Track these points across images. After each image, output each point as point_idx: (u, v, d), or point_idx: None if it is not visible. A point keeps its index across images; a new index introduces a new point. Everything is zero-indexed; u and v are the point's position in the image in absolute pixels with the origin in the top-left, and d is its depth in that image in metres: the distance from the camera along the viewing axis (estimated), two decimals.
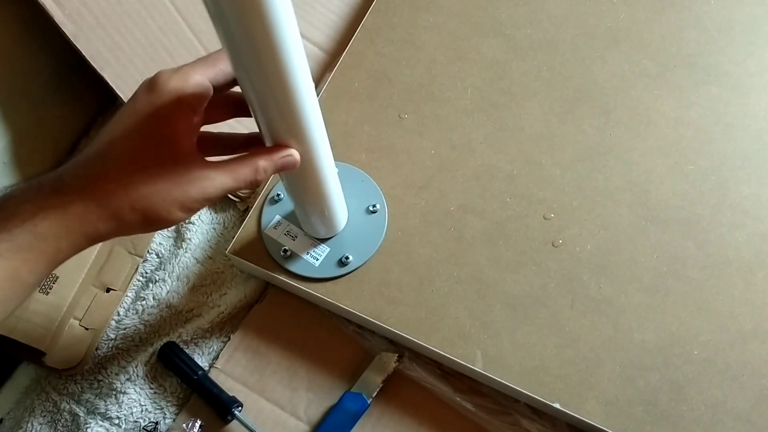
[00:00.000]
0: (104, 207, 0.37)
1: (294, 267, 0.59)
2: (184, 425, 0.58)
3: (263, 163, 0.42)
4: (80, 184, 0.37)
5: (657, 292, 0.55)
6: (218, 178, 0.40)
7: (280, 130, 0.43)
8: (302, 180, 0.50)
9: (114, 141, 0.38)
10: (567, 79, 0.65)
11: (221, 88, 0.41)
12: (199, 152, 0.40)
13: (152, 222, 0.39)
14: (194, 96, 0.39)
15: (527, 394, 0.52)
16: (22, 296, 0.37)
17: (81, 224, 0.37)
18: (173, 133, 0.39)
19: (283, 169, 0.44)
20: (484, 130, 0.64)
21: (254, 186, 0.43)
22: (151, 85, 0.39)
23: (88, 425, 0.59)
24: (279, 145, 0.43)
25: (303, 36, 0.76)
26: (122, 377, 0.61)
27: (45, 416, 0.61)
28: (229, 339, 0.62)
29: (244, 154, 0.43)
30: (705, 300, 0.54)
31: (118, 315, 0.64)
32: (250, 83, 0.40)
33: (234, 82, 0.42)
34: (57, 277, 0.61)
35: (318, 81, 0.71)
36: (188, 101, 0.39)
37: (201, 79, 0.40)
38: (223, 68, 0.41)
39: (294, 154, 0.43)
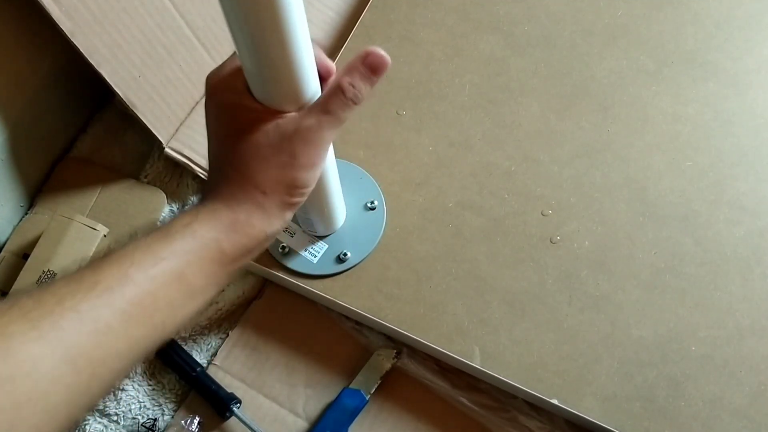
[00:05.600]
0: (242, 199, 0.39)
1: (292, 264, 0.59)
2: (182, 422, 0.58)
3: (347, 79, 0.39)
4: (216, 190, 0.39)
5: (655, 288, 0.55)
6: (312, 121, 0.39)
7: None
8: None
9: (219, 152, 0.41)
10: (565, 76, 0.65)
11: None
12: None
13: (291, 192, 0.40)
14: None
15: (525, 390, 0.53)
16: (192, 302, 0.38)
17: (235, 224, 0.38)
18: (245, 116, 0.40)
19: (376, 74, 0.39)
20: (482, 127, 0.64)
21: (351, 107, 0.40)
22: (207, 89, 0.41)
23: (86, 422, 0.59)
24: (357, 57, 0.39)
25: None
26: None
27: None
28: (228, 336, 0.62)
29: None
30: (703, 296, 0.54)
31: None
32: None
33: None
34: (55, 274, 0.60)
35: None
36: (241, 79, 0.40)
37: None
38: None
39: (377, 50, 0.39)
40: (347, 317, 0.60)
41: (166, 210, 0.68)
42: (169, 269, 0.36)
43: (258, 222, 0.39)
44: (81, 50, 0.59)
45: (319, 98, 0.40)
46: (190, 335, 0.62)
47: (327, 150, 0.40)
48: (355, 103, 0.39)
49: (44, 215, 0.67)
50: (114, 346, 0.34)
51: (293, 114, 0.39)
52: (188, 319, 0.38)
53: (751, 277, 0.55)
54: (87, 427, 0.59)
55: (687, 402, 0.51)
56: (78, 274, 0.35)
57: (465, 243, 0.59)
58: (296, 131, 0.39)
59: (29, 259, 0.61)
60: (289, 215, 0.41)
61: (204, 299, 0.39)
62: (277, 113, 0.39)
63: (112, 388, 0.35)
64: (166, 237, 0.36)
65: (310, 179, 0.40)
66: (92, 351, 0.33)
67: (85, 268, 0.35)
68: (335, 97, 0.39)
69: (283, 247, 0.59)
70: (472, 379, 0.56)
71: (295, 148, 0.39)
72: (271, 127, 0.39)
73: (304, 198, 0.41)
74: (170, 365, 0.60)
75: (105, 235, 0.64)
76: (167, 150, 0.66)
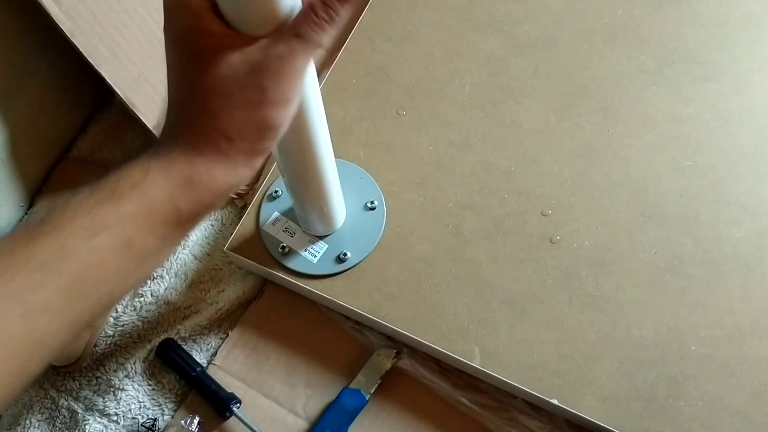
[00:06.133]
0: (203, 148, 0.33)
1: (292, 264, 0.59)
2: (182, 422, 0.58)
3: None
4: (174, 136, 0.34)
5: (655, 288, 0.55)
6: (282, 47, 0.33)
7: None
8: (303, 175, 0.50)
9: (178, 87, 0.35)
10: (565, 76, 0.65)
11: None
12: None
13: (262, 135, 0.34)
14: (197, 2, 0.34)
15: (525, 390, 0.52)
16: (146, 265, 0.34)
17: (193, 179, 0.33)
18: (204, 43, 0.34)
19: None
20: (482, 127, 0.64)
21: (326, 29, 0.34)
22: (164, 12, 0.35)
23: (86, 422, 0.59)
24: None
25: None
26: (120, 374, 0.61)
27: (43, 413, 0.61)
28: (228, 336, 0.62)
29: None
30: (703, 296, 0.54)
31: (116, 312, 0.64)
32: None
33: None
34: None
35: None
36: (193, 10, 0.34)
37: None
38: None
39: None
40: (347, 317, 0.60)
41: None
42: (115, 237, 0.31)
43: (221, 174, 0.34)
44: (81, 50, 0.59)
45: (290, 21, 0.35)
46: (190, 335, 0.62)
47: (302, 82, 0.35)
48: (329, 24, 0.34)
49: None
50: (51, 325, 0.31)
51: (261, 40, 0.34)
52: (143, 281, 0.35)
53: (750, 276, 0.55)
54: (87, 427, 0.59)
55: (687, 402, 0.51)
56: (11, 244, 0.31)
57: (465, 243, 0.59)
58: (265, 61, 0.33)
59: None
60: (258, 163, 0.36)
61: (159, 260, 0.35)
62: (243, 38, 0.34)
63: (54, 360, 0.31)
64: (111, 198, 0.32)
65: (284, 118, 0.35)
66: (25, 334, 0.30)
67: (18, 237, 0.31)
68: (307, 18, 0.34)
69: (283, 247, 0.59)
70: (472, 379, 0.56)
71: (264, 81, 0.33)
72: (235, 56, 0.33)
73: (276, 141, 0.36)
74: (170, 365, 0.60)
75: None
76: None
